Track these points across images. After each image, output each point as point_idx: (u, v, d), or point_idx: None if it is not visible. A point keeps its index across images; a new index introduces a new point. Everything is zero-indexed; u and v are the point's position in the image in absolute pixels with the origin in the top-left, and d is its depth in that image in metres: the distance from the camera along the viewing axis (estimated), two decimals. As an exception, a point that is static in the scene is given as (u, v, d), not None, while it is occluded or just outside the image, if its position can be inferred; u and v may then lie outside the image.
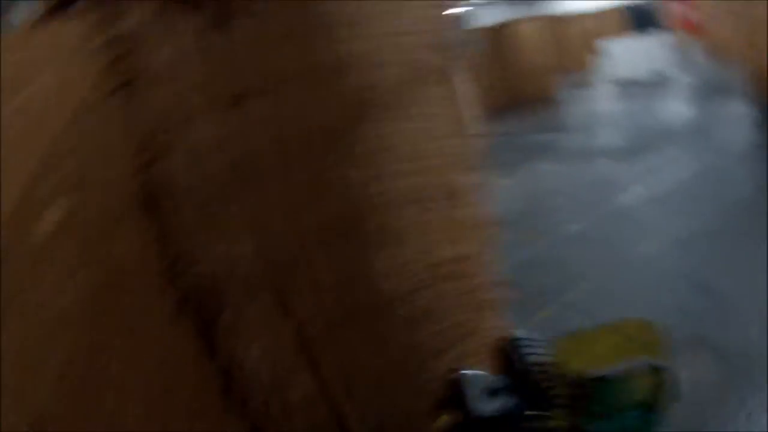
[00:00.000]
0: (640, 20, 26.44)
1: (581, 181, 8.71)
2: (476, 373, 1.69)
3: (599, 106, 15.43)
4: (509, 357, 1.77)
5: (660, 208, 6.91)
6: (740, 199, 6.59)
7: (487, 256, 2.31)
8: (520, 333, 1.88)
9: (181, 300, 2.14)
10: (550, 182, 8.98)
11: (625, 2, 29.06)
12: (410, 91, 2.11)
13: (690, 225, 6.08)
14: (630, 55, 18.17)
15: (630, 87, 17.22)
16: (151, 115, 2.08)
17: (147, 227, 2.08)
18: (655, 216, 6.75)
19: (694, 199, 6.83)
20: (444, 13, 2.34)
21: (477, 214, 2.28)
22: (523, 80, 18.53)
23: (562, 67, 22.24)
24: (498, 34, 18.80)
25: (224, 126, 2.18)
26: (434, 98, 2.20)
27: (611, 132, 11.48)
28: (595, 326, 2.35)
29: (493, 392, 1.57)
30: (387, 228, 2.14)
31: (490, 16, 28.31)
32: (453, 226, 2.23)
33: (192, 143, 2.14)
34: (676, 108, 12.76)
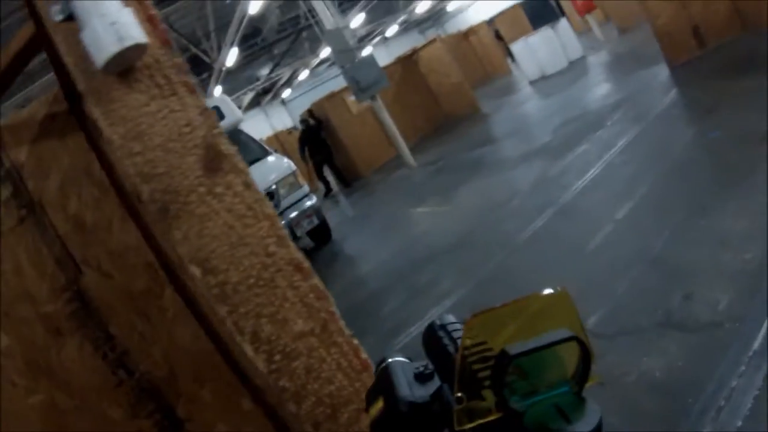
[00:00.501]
0: (541, 15, 27.02)
1: (522, 186, 8.71)
2: (403, 361, 1.61)
3: (522, 109, 15.56)
4: (435, 341, 1.68)
5: (601, 194, 6.95)
6: (674, 166, 6.66)
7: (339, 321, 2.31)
8: (445, 318, 1.83)
9: (136, 399, 2.37)
10: (492, 196, 8.95)
11: (519, 0, 29.83)
12: (209, 187, 2.15)
13: (630, 203, 6.10)
14: (540, 51, 18.44)
15: (548, 82, 17.52)
16: (57, 236, 2.35)
17: (87, 337, 2.33)
18: (598, 203, 6.78)
19: (632, 178, 6.87)
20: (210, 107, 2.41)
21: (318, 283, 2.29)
22: (443, 102, 18.80)
23: (476, 79, 22.73)
24: (407, 63, 19.03)
25: (130, 232, 2.38)
26: (233, 184, 2.18)
27: (540, 132, 11.48)
28: (507, 301, 2.27)
29: (421, 378, 1.48)
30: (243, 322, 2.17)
31: (396, 48, 28.71)
32: (305, 300, 2.24)
33: (104, 253, 2.38)
34: (598, 90, 12.96)
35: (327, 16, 14.33)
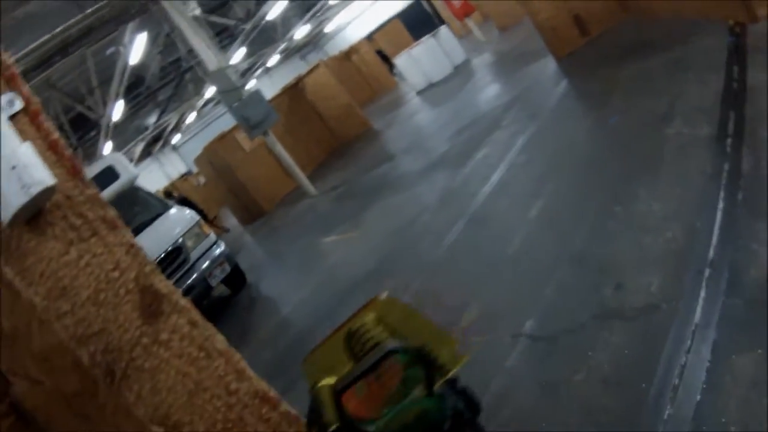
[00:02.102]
0: (420, 25, 27.41)
1: (429, 201, 8.57)
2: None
3: (414, 121, 15.55)
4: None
5: (510, 197, 6.87)
6: (579, 157, 6.66)
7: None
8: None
9: None
10: (400, 214, 8.78)
11: (396, 13, 30.26)
12: (153, 336, 2.00)
13: (541, 202, 6.04)
14: (424, 60, 18.58)
15: (436, 90, 17.65)
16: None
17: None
18: (508, 206, 6.70)
19: (538, 176, 6.83)
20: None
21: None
22: (334, 125, 18.68)
23: (364, 97, 22.77)
24: (294, 92, 18.81)
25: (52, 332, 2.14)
26: (178, 326, 2.06)
27: (436, 142, 11.42)
28: (327, 334, 2.42)
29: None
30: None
31: (279, 78, 28.48)
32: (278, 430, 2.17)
33: (29, 359, 2.17)
34: (488, 92, 13.05)
35: (209, 56, 13.93)
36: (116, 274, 1.94)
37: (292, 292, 9.03)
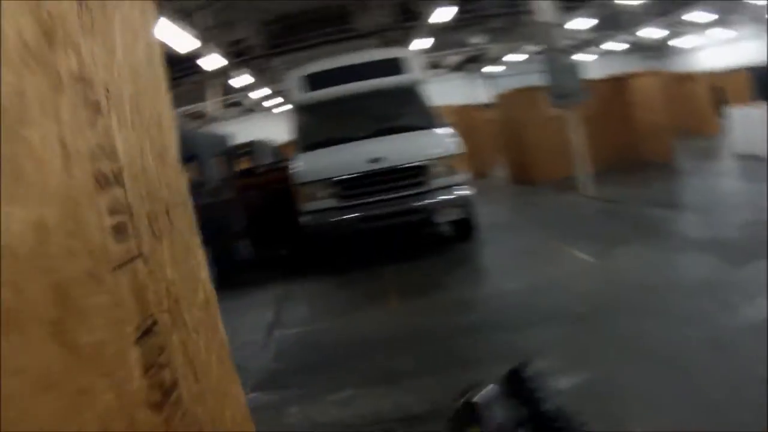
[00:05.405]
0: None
1: (679, 280, 7.24)
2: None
3: (717, 182, 13.90)
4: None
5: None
6: None
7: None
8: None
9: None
10: (642, 275, 7.47)
11: (755, 65, 27.56)
12: None
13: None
14: (754, 126, 16.41)
15: (760, 165, 15.53)
16: None
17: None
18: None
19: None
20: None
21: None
22: (637, 140, 17.29)
23: (682, 129, 20.80)
24: (616, 85, 17.67)
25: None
26: None
27: (726, 218, 9.70)
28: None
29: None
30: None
31: (606, 67, 27.22)
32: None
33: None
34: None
35: (544, 5, 13.25)
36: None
37: (508, 280, 8.44)
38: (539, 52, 15.97)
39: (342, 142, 10.20)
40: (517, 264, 9.14)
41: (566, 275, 7.86)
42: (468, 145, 11.07)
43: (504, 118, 18.30)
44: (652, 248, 8.57)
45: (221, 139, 22.87)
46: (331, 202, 9.62)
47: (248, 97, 33.59)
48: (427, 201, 9.57)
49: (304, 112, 11.18)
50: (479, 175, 17.28)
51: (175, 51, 19.03)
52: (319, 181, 9.68)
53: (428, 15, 21.18)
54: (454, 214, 9.78)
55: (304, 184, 9.81)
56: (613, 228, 10.26)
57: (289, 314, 8.33)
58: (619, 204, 12.11)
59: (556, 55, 13.09)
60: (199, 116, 35.56)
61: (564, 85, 12.95)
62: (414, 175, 9.55)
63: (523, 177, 16.85)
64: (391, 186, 9.60)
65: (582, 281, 7.63)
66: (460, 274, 8.93)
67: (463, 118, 19.95)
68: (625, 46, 35.05)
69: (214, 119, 30.36)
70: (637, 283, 7.10)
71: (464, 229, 10.39)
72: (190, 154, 17.28)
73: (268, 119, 35.83)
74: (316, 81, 11.12)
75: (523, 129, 16.49)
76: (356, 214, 9.58)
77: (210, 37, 22.87)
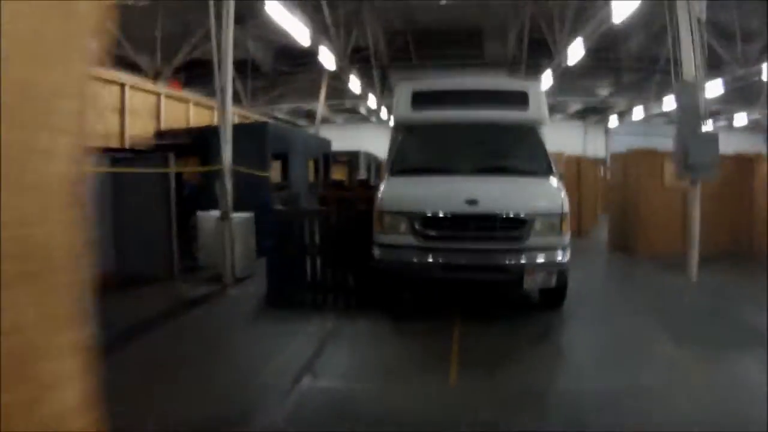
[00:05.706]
0: None
1: None
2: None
3: None
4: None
5: None
6: None
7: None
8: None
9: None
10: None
11: None
12: None
13: None
14: None
15: None
16: None
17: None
18: None
19: None
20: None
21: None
22: (759, 227, 15.54)
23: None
24: (739, 165, 16.02)
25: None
26: None
27: None
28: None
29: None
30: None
31: (729, 143, 25.33)
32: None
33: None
34: None
35: (691, 63, 11.89)
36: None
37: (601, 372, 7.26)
38: (674, 115, 14.60)
39: (439, 173, 9.21)
40: (608, 354, 7.53)
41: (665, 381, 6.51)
42: (571, 198, 9.72)
43: (618, 178, 16.99)
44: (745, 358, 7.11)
45: (324, 143, 22.43)
46: (411, 240, 8.40)
47: (363, 104, 33.30)
48: (521, 261, 8.29)
49: (405, 132, 10.24)
50: (576, 233, 15.90)
51: (296, 43, 18.74)
52: (403, 213, 8.49)
53: (561, 55, 20.51)
54: (543, 282, 8.44)
55: (385, 212, 8.62)
56: (722, 326, 8.77)
57: (327, 360, 7.05)
58: (727, 298, 10.54)
59: (694, 122, 11.73)
60: (308, 115, 35.57)
61: (697, 157, 11.56)
62: (514, 227, 8.31)
63: (625, 244, 15.48)
64: (484, 235, 8.38)
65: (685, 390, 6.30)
66: (538, 353, 7.58)
67: (573, 168, 18.88)
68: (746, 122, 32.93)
69: (322, 120, 30.02)
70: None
71: (553, 296, 9.14)
72: (284, 152, 16.86)
73: (380, 131, 34.83)
74: (425, 100, 10.15)
75: (637, 194, 15.13)
76: (438, 260, 8.35)
77: (332, 38, 22.63)
